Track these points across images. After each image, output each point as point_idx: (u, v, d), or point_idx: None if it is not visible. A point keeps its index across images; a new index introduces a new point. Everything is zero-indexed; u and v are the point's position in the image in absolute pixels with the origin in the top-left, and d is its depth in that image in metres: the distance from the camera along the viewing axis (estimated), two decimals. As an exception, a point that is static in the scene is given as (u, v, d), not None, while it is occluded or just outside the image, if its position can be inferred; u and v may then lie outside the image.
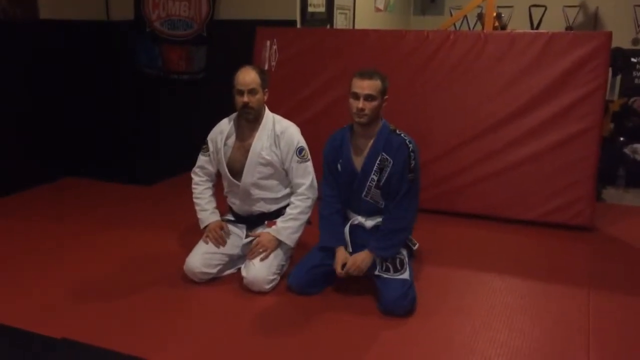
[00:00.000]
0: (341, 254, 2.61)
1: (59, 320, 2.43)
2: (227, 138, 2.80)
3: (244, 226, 2.88)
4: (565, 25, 7.00)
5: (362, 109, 2.49)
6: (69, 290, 2.70)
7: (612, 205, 4.20)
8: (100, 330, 2.35)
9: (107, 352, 2.18)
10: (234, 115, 2.84)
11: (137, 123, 5.25)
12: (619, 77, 5.68)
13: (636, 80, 5.97)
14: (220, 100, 4.77)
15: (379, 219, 2.68)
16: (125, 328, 2.38)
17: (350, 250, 2.66)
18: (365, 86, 2.48)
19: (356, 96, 2.50)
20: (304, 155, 2.78)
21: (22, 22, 4.22)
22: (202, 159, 2.92)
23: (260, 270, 2.65)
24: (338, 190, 2.73)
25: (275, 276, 2.72)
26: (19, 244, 3.29)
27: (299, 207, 2.77)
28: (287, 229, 2.75)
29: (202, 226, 2.90)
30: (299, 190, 2.79)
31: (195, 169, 2.96)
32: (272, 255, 2.71)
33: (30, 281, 2.81)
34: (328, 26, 5.13)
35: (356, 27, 5.81)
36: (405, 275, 2.54)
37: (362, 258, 2.54)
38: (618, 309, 2.60)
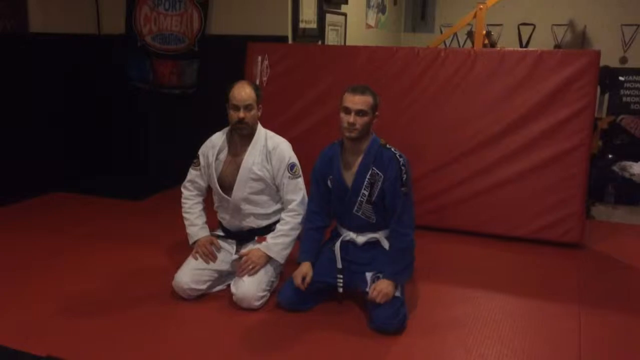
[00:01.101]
0: (304, 268, 2.62)
1: (44, 338, 2.38)
2: (219, 152, 2.79)
3: (233, 242, 2.86)
4: (554, 44, 7.09)
5: (353, 124, 2.49)
6: (54, 307, 2.66)
7: (601, 222, 4.22)
8: (87, 348, 2.31)
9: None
10: (226, 129, 2.84)
11: (127, 137, 5.22)
12: (607, 95, 5.75)
13: (624, 99, 6.05)
14: (211, 115, 4.78)
15: (371, 235, 2.67)
16: (112, 345, 2.34)
17: (340, 267, 2.65)
18: (357, 101, 2.49)
19: (347, 111, 2.50)
20: (295, 172, 2.78)
21: (12, 36, 4.20)
22: (192, 173, 2.91)
23: (250, 287, 2.62)
24: (322, 207, 2.72)
25: (265, 292, 2.69)
26: (4, 258, 3.24)
27: (290, 224, 2.76)
28: (277, 245, 2.73)
29: (191, 242, 2.87)
30: (290, 207, 2.79)
31: (186, 183, 2.93)
32: (262, 272, 2.68)
33: (15, 297, 2.76)
34: (319, 42, 5.15)
35: (347, 43, 5.84)
36: (397, 293, 2.52)
37: (386, 285, 2.49)
38: (609, 326, 2.60)
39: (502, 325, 2.59)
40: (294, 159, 2.80)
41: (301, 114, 4.12)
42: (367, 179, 2.58)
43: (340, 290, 2.65)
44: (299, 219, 2.77)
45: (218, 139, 2.84)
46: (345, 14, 5.73)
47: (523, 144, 3.65)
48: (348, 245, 2.71)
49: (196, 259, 2.77)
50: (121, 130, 5.21)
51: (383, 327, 2.46)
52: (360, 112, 2.48)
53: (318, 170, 2.71)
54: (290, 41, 4.58)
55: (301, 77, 4.12)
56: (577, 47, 6.92)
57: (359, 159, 2.59)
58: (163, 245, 3.47)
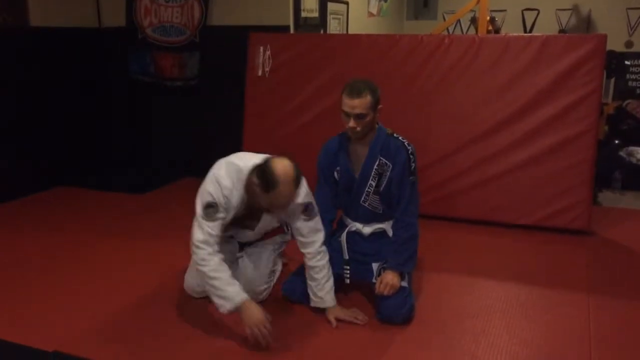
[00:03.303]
0: None
1: (51, 333, 2.38)
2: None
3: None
4: (558, 29, 7.01)
5: (354, 127, 2.46)
6: (61, 303, 2.65)
7: (608, 208, 4.18)
8: (93, 344, 2.30)
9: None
10: (233, 176, 2.37)
11: (129, 130, 5.20)
12: (612, 80, 5.69)
13: (630, 83, 5.99)
14: (213, 106, 4.77)
15: (377, 226, 2.65)
16: (119, 341, 2.33)
17: (347, 257, 2.63)
18: (355, 105, 2.42)
19: (347, 115, 2.46)
20: (310, 211, 2.44)
21: (12, 29, 4.17)
22: (210, 226, 2.30)
23: (252, 280, 2.59)
24: (329, 199, 2.66)
25: (266, 285, 2.67)
26: (9, 253, 3.23)
27: (323, 269, 2.48)
28: (328, 293, 2.50)
29: (231, 306, 2.25)
30: (313, 250, 2.45)
31: (199, 243, 2.29)
32: (263, 263, 2.66)
33: (21, 292, 2.76)
34: (322, 31, 5.10)
35: (349, 32, 5.79)
36: (404, 282, 2.51)
37: (392, 276, 2.47)
38: (618, 313, 2.58)
39: (511, 314, 2.57)
40: (309, 197, 2.44)
41: (305, 104, 4.09)
42: (374, 169, 2.55)
43: (347, 281, 2.63)
44: (327, 257, 2.50)
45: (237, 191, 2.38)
46: (347, 3, 5.68)
47: (529, 131, 3.62)
48: (354, 236, 2.69)
49: (252, 340, 2.25)
50: (123, 124, 5.19)
51: (390, 318, 2.44)
52: (359, 116, 2.44)
53: (323, 163, 2.66)
54: (292, 31, 4.54)
55: (304, 67, 4.09)
56: (582, 32, 6.84)
57: (366, 150, 2.56)
58: (169, 238, 3.46)
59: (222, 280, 2.26)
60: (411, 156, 2.53)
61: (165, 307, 2.62)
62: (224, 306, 2.25)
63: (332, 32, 5.36)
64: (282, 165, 2.19)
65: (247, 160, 2.36)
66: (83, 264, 3.11)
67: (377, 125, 2.58)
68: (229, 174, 2.34)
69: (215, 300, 2.27)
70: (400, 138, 2.57)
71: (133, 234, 3.57)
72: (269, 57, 4.14)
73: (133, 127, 5.18)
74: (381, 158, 2.54)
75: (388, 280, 2.45)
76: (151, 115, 5.09)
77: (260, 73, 4.13)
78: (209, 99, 4.74)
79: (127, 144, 5.22)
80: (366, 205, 2.62)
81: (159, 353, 2.25)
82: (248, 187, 2.31)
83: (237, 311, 2.25)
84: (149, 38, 4.80)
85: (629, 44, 6.51)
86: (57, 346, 2.26)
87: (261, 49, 4.15)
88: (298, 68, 4.10)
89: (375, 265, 2.60)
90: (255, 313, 2.23)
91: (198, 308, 2.61)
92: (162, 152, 5.08)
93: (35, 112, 4.43)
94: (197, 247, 2.29)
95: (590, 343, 2.32)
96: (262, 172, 2.20)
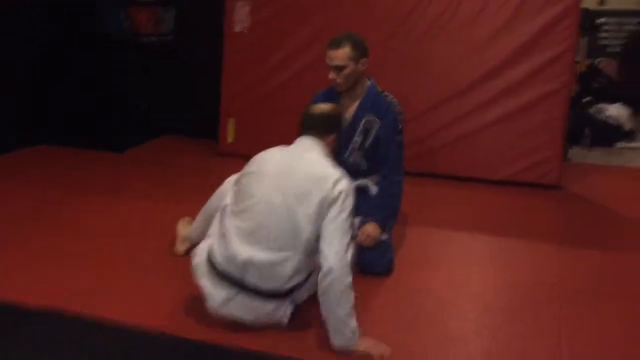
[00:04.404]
0: None
1: (44, 291, 2.40)
2: None
3: None
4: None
5: (334, 79, 2.50)
6: (52, 261, 2.66)
7: (577, 163, 4.34)
8: (85, 300, 2.33)
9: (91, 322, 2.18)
10: None
11: (106, 88, 5.10)
12: (585, 39, 5.78)
13: (602, 41, 6.10)
14: (191, 63, 4.70)
15: (360, 181, 2.72)
16: (112, 297, 2.36)
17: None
18: (333, 56, 2.47)
19: (328, 67, 2.50)
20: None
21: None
22: None
23: None
24: None
25: None
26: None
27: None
28: None
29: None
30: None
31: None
32: None
33: (10, 251, 2.76)
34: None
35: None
36: (384, 236, 2.60)
37: (373, 228, 2.54)
38: (585, 259, 2.74)
39: (486, 263, 2.71)
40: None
41: (285, 61, 4.07)
42: (362, 125, 2.60)
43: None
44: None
45: None
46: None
47: (505, 88, 3.71)
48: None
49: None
50: (100, 82, 5.08)
51: (371, 269, 2.53)
52: (338, 67, 2.48)
53: None
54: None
55: (283, 23, 4.05)
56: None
57: (355, 104, 2.61)
58: (151, 196, 3.48)
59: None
60: (399, 116, 2.59)
61: (163, 265, 2.63)
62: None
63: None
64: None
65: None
66: (71, 224, 3.07)
67: (368, 82, 2.61)
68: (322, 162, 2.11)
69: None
70: (390, 97, 2.62)
71: (118, 192, 3.55)
72: (247, 13, 4.09)
73: (110, 84, 5.07)
74: (370, 114, 2.59)
75: (369, 232, 2.54)
76: (127, 72, 5.00)
77: (238, 29, 4.08)
78: (187, 56, 4.67)
79: (104, 102, 5.13)
80: (350, 160, 2.68)
81: (157, 309, 2.30)
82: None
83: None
84: (123, -9, 4.67)
85: (601, 1, 6.57)
86: (49, 304, 2.28)
87: (239, 4, 4.09)
88: (277, 24, 4.06)
89: (357, 220, 2.67)
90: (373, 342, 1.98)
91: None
92: (140, 108, 5.02)
93: (10, 73, 4.30)
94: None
95: (560, 289, 2.46)
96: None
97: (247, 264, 2.00)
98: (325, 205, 1.97)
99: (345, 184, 2.02)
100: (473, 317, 2.25)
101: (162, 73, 4.83)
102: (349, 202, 2.00)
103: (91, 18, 4.82)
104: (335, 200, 1.97)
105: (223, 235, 2.07)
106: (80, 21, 4.86)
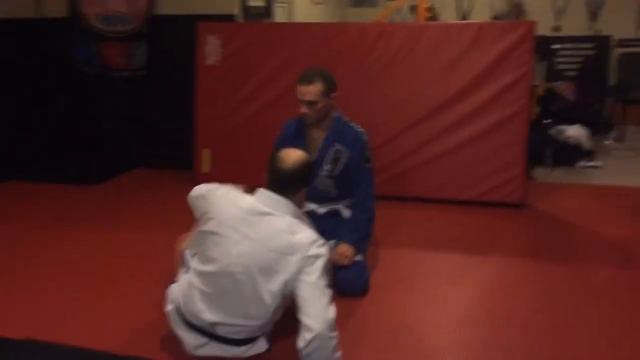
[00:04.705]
0: None
1: (18, 321, 2.40)
2: None
3: None
4: (491, 15, 7.33)
5: (307, 113, 2.62)
6: (31, 292, 2.67)
7: (540, 183, 4.52)
8: (62, 329, 2.35)
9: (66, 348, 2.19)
10: None
11: (76, 123, 5.12)
12: (543, 63, 6.05)
13: (559, 66, 6.40)
14: (164, 97, 4.77)
15: (332, 206, 2.82)
16: (88, 324, 2.39)
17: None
18: (304, 92, 2.59)
19: (299, 102, 2.61)
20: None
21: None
22: None
23: None
24: None
25: None
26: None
27: None
28: None
29: None
30: None
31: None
32: None
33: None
34: (268, 19, 5.19)
35: (294, 19, 5.90)
36: (359, 257, 2.68)
37: (346, 248, 2.63)
38: (551, 273, 2.87)
39: (458, 280, 2.81)
40: None
41: (256, 92, 4.17)
42: (331, 154, 2.71)
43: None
44: None
45: None
46: (291, -9, 5.78)
47: (467, 113, 3.87)
48: (309, 216, 2.83)
49: None
50: (72, 116, 5.10)
51: (348, 289, 2.60)
52: (310, 103, 2.60)
53: (281, 142, 2.78)
54: (238, 20, 4.60)
55: (254, 56, 4.17)
56: (513, 17, 7.18)
57: (323, 135, 2.73)
58: (121, 228, 3.50)
59: None
60: (366, 145, 2.72)
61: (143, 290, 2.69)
62: None
63: (278, 20, 5.45)
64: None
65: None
66: (41, 252, 3.11)
67: (335, 113, 2.73)
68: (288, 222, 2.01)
69: None
70: (356, 128, 2.75)
71: (90, 223, 3.58)
72: (218, 46, 4.20)
73: (81, 119, 5.10)
74: (337, 144, 2.70)
75: (343, 251, 2.63)
76: (98, 107, 5.03)
77: (210, 62, 4.18)
78: (160, 90, 4.74)
79: (77, 136, 5.14)
80: (319, 187, 2.77)
81: (135, 331, 2.33)
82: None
83: None
84: (94, 28, 4.74)
85: (556, 28, 6.90)
86: (26, 334, 2.29)
87: (210, 38, 4.20)
88: (247, 56, 4.18)
89: (331, 243, 2.75)
90: None
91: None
92: (113, 143, 5.04)
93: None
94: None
95: (529, 301, 2.58)
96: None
97: (214, 325, 2.01)
98: (289, 284, 1.91)
99: (314, 249, 1.92)
100: (449, 330, 2.35)
101: (135, 107, 4.88)
102: (321, 263, 1.92)
103: (62, 53, 4.87)
104: (303, 267, 1.90)
105: (188, 295, 2.04)
106: (51, 56, 4.91)
